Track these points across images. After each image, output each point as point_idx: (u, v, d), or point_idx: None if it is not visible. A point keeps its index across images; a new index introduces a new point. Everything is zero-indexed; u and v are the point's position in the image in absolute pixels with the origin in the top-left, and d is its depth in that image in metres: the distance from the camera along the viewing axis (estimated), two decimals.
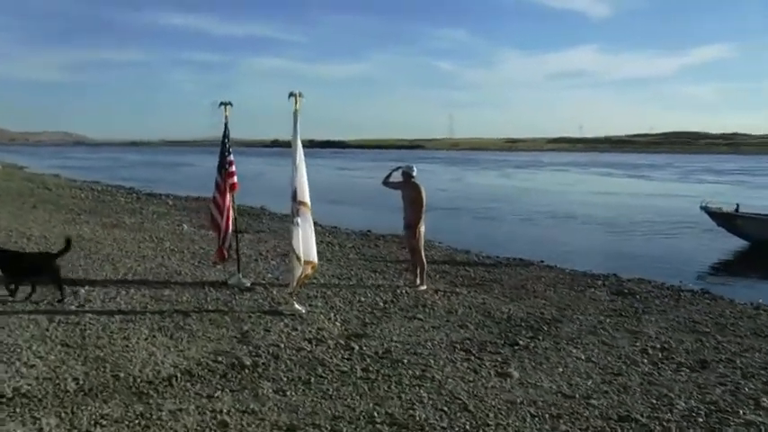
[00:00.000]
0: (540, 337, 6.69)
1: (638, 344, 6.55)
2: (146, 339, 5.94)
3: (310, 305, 7.59)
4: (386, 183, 9.33)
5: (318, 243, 13.81)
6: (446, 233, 16.13)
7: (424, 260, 9.21)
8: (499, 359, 5.90)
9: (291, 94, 7.27)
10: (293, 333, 6.44)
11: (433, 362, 5.72)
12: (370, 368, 5.45)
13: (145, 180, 37.26)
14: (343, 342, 6.20)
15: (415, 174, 8.99)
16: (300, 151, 7.32)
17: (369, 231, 17.01)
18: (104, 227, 14.00)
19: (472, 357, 5.93)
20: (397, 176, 9.22)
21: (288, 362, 5.51)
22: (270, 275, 9.53)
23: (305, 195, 7.30)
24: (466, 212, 23.81)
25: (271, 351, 5.77)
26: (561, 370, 5.64)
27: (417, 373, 5.36)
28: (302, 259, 7.27)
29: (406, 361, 5.69)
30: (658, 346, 6.46)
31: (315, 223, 18.64)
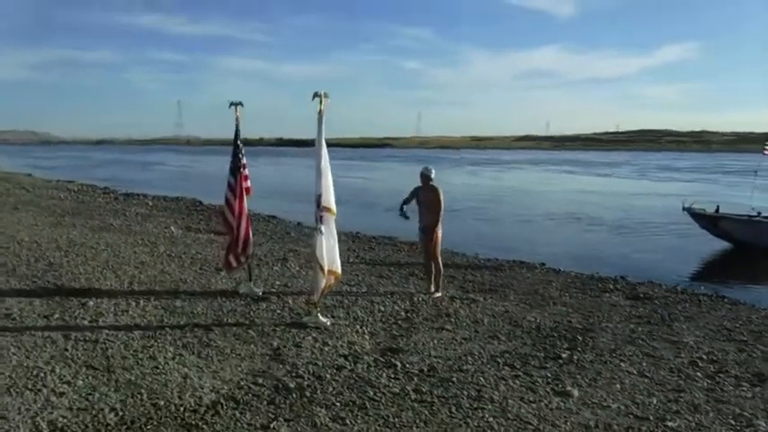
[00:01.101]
0: (580, 349, 6.39)
1: (682, 355, 6.30)
2: (173, 359, 5.40)
3: (332, 316, 7.14)
4: (403, 202, 8.83)
5: (308, 246, 13.61)
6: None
7: (441, 266, 8.82)
8: (549, 375, 5.56)
9: (316, 95, 6.80)
10: (326, 349, 5.98)
11: (483, 380, 5.35)
12: (422, 389, 5.04)
13: (118, 179, 36.00)
14: (382, 359, 5.77)
15: (433, 175, 8.60)
16: (325, 154, 6.84)
17: (358, 233, 16.53)
18: (92, 230, 13.21)
19: (520, 374, 5.57)
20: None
21: (333, 383, 5.06)
22: (278, 283, 9.01)
23: (330, 201, 6.83)
24: (448, 212, 23.48)
25: (311, 370, 5.31)
26: (619, 387, 5.32)
27: (473, 394, 4.98)
28: (326, 269, 6.80)
29: (455, 380, 5.30)
30: (705, 357, 6.22)
31: (299, 224, 17.93)
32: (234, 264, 8.13)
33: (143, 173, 49.34)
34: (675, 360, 6.14)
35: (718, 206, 15.85)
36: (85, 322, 6.34)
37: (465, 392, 5.00)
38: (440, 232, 8.60)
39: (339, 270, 6.94)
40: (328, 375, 5.21)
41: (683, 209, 15.93)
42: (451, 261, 12.23)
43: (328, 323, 6.80)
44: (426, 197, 8.56)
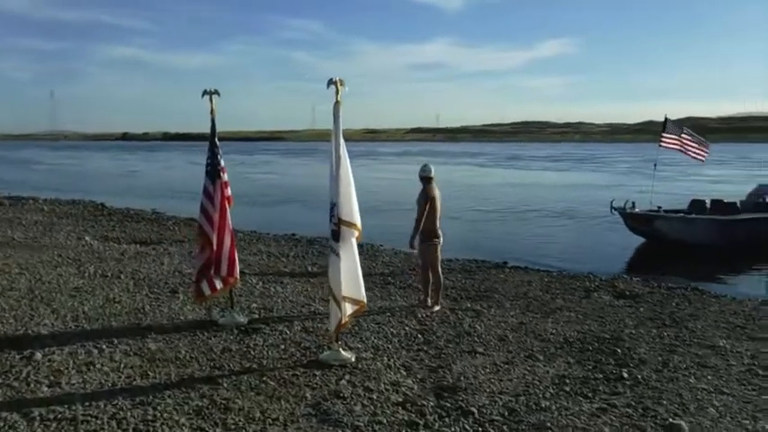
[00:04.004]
0: (632, 365, 5.66)
1: (732, 362, 5.78)
2: None
3: (349, 347, 5.86)
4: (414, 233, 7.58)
5: (256, 254, 12.03)
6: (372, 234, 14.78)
7: (441, 278, 7.77)
8: (632, 403, 4.75)
9: (331, 82, 5.43)
10: (373, 396, 4.74)
11: (576, 420, 4.41)
12: None
13: None
14: (446, 403, 4.64)
15: (433, 175, 7.49)
16: (344, 154, 5.48)
17: (294, 234, 15.14)
18: None
19: (605, 406, 4.69)
20: None
21: None
22: (254, 305, 7.50)
23: (352, 213, 5.47)
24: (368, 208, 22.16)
25: None
26: (714, 411, 4.61)
27: None
28: (346, 298, 5.46)
29: (549, 425, 4.31)
30: (756, 363, 5.73)
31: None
32: (207, 291, 6.52)
33: (20, 172, 43.45)
34: (731, 369, 5.61)
35: (633, 203, 14.50)
36: (44, 388, 4.56)
37: None
38: (439, 240, 7.55)
39: (363, 298, 5.58)
40: None
41: (613, 209, 14.29)
42: (413, 264, 11.27)
43: (352, 358, 5.53)
44: (425, 200, 7.46)
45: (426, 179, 7.43)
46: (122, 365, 5.14)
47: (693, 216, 13.91)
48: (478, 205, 23.45)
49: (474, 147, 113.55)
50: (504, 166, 55.44)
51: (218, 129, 6.50)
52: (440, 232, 7.54)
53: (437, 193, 7.46)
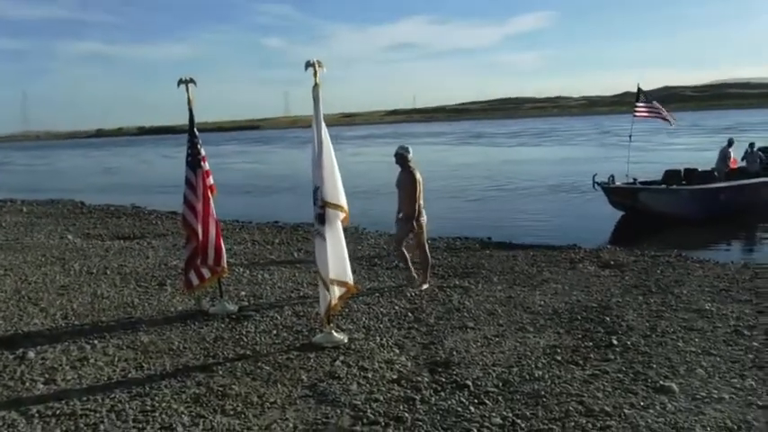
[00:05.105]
0: (621, 332, 5.78)
1: (718, 324, 5.91)
2: (196, 425, 3.92)
3: (341, 329, 5.92)
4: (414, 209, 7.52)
5: (240, 242, 12.00)
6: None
7: (429, 256, 7.84)
8: (623, 368, 4.87)
9: (309, 64, 5.39)
10: (369, 375, 4.80)
11: (569, 387, 4.52)
12: (524, 412, 4.09)
13: None
14: (442, 378, 4.72)
15: (411, 155, 7.52)
16: (326, 138, 5.48)
17: (276, 222, 15.13)
18: None
19: (596, 372, 4.81)
20: None
21: (420, 424, 3.93)
22: (243, 293, 7.51)
23: (337, 195, 5.49)
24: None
25: (380, 411, 4.13)
26: (703, 372, 4.74)
27: (581, 409, 4.11)
28: (334, 281, 5.49)
29: (543, 393, 4.40)
30: (741, 324, 5.87)
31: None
32: (195, 281, 6.52)
33: None
34: (717, 331, 5.75)
35: (613, 176, 14.18)
36: (40, 385, 4.55)
37: (571, 408, 4.13)
38: (424, 219, 7.60)
39: (350, 280, 5.62)
40: (406, 414, 4.07)
41: (595, 184, 13.97)
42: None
43: (345, 339, 5.59)
44: (404, 180, 7.51)
45: (404, 160, 7.45)
46: (116, 359, 5.14)
47: (677, 187, 13.73)
48: (454, 184, 23.48)
49: (443, 126, 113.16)
50: (472, 144, 55.51)
51: (202, 120, 6.45)
52: (424, 212, 7.61)
53: (418, 173, 7.50)
